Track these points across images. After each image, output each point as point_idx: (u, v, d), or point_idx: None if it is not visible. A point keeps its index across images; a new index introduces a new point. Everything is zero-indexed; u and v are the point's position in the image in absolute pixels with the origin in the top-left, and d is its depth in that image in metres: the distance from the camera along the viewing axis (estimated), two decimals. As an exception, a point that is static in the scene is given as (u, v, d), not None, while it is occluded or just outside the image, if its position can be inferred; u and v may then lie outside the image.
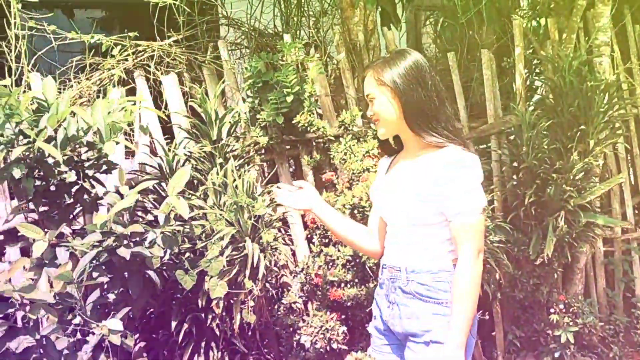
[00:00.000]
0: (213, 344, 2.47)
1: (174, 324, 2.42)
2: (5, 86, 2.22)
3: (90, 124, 2.28)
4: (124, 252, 2.16)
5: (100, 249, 2.19)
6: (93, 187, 2.47)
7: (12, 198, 2.82)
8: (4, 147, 2.14)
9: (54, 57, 3.10)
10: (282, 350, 2.75)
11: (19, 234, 2.72)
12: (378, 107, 1.86)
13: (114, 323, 2.07)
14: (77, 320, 2.13)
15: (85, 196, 2.45)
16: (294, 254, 3.03)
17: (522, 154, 3.20)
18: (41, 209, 2.39)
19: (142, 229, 2.18)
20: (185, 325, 2.42)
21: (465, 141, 1.84)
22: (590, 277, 3.73)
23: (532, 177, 3.19)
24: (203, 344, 2.45)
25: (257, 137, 2.98)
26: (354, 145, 2.80)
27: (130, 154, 2.98)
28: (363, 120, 3.09)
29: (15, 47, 2.91)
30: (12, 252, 2.70)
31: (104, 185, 2.53)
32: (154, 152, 2.98)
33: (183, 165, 2.65)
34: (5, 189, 2.78)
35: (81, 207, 2.47)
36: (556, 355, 3.25)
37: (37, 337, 2.01)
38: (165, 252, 2.29)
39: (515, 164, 3.34)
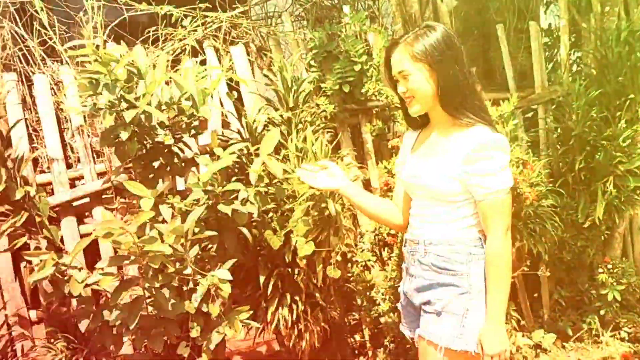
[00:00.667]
0: (297, 297, 2.64)
1: (262, 278, 2.59)
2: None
3: (186, 90, 2.43)
4: (226, 209, 2.33)
5: (201, 206, 2.35)
6: (182, 150, 2.63)
7: (94, 162, 2.98)
8: (109, 112, 2.29)
9: (125, 29, 3.23)
10: (354, 304, 2.93)
11: (103, 196, 2.90)
12: (414, 84, 1.83)
13: (223, 273, 2.24)
14: (188, 271, 2.29)
15: (175, 159, 2.61)
16: (354, 217, 3.20)
17: (572, 122, 3.36)
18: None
19: (241, 187, 2.34)
20: (272, 280, 2.59)
21: (492, 121, 1.87)
22: (628, 243, 3.91)
23: (582, 144, 3.36)
24: (288, 297, 2.63)
25: (323, 105, 3.13)
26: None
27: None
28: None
29: (92, 18, 3.04)
30: (97, 212, 2.86)
31: (190, 149, 2.68)
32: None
33: (262, 130, 2.80)
34: (89, 154, 2.94)
35: (169, 169, 2.63)
36: (601, 313, 3.44)
37: (157, 286, 2.18)
38: (256, 210, 2.45)
39: (559, 131, 3.51)
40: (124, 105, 2.38)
